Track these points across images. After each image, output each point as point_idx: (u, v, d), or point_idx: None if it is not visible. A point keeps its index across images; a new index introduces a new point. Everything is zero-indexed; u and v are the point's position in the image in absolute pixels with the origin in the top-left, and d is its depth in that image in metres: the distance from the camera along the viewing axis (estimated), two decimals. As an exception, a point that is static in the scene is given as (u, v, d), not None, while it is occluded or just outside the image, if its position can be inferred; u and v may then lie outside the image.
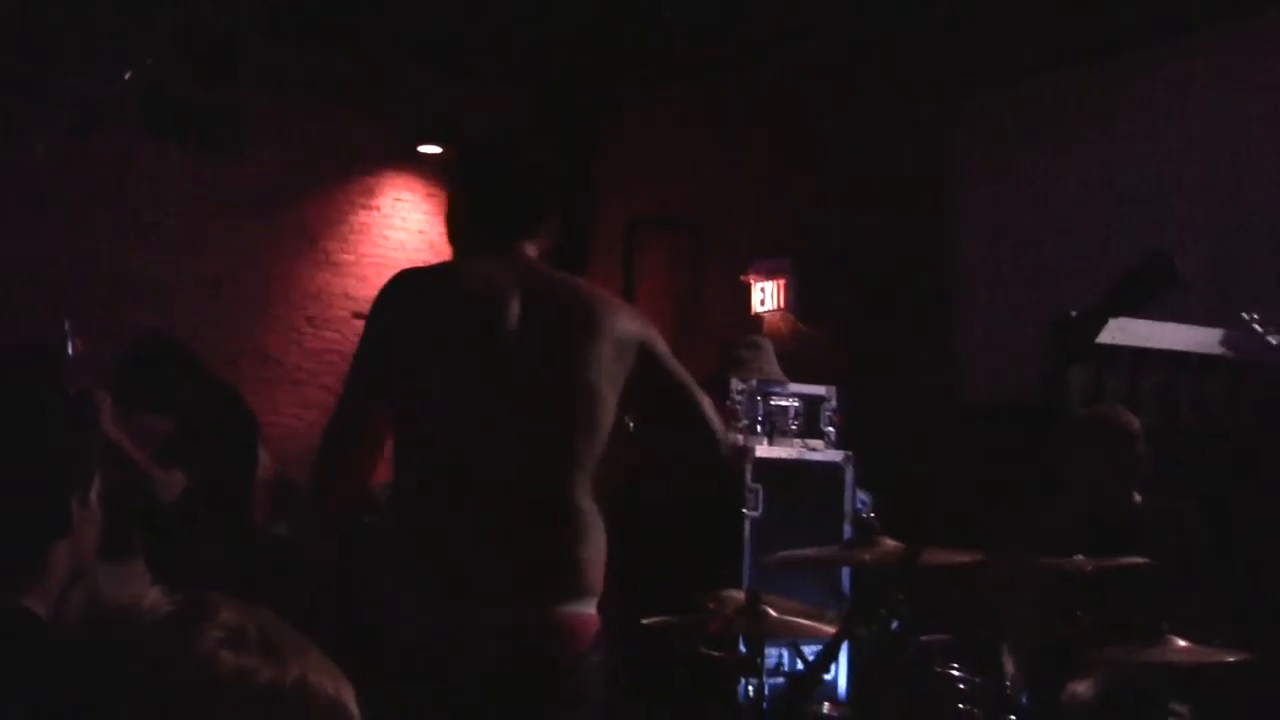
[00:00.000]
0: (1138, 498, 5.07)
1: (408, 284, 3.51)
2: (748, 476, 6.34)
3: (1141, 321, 5.49)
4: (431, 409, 3.37)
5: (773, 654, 5.27)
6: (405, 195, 10.40)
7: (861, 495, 6.59)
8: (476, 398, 3.35)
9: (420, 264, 10.17)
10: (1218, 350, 5.85)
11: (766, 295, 9.20)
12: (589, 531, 3.39)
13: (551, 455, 3.36)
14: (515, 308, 3.38)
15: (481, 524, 3.29)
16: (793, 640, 5.04)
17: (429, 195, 10.48)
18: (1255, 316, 5.62)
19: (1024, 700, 4.30)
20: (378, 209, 10.26)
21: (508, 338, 3.36)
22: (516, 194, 3.61)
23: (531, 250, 3.55)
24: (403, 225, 10.31)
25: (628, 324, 3.48)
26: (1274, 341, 5.52)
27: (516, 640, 3.27)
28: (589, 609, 3.40)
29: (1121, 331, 5.39)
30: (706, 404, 3.67)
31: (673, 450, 3.85)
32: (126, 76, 8.09)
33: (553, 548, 3.34)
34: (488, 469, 3.31)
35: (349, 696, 1.47)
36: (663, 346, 3.60)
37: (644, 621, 4.85)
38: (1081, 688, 4.49)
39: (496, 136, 4.10)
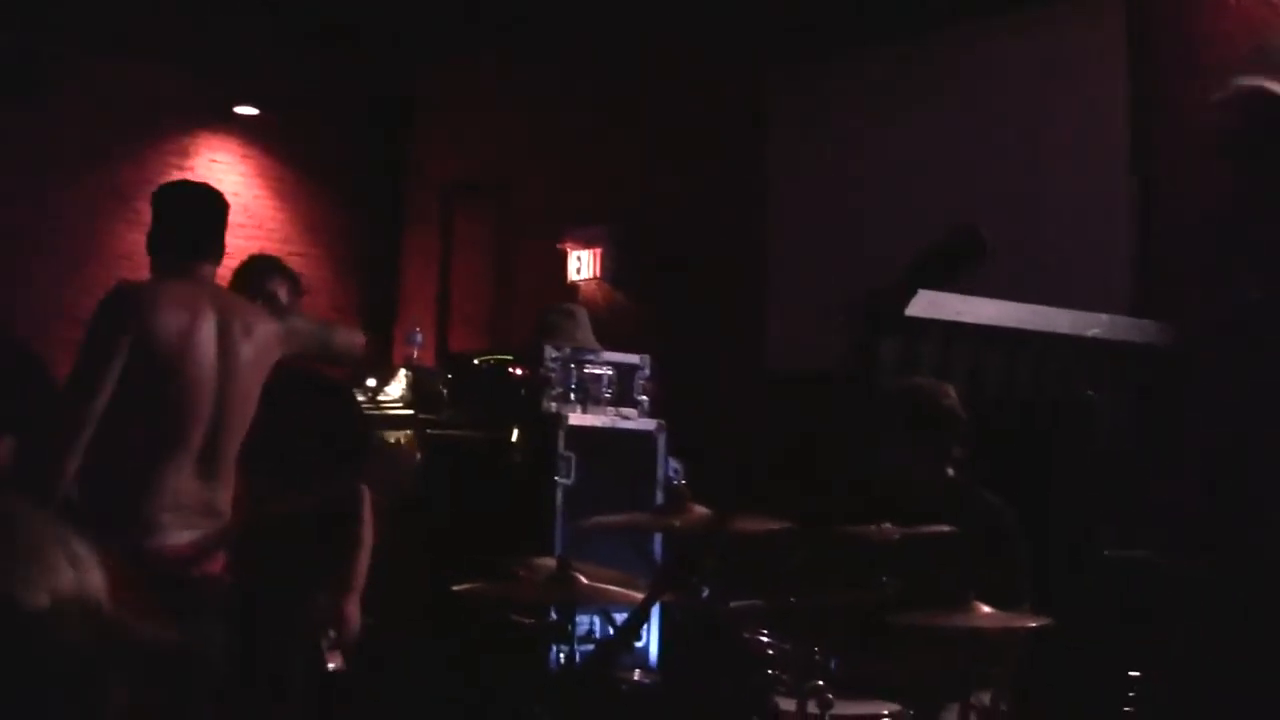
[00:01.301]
0: (950, 472, 5.10)
1: (133, 298, 4.34)
2: (560, 444, 6.34)
3: (953, 295, 5.57)
4: (144, 402, 4.22)
5: (583, 621, 5.29)
6: (221, 156, 10.22)
7: (673, 463, 6.62)
8: (180, 395, 4.27)
9: (234, 227, 10.06)
10: (1026, 325, 5.96)
11: (583, 264, 9.20)
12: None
13: (222, 439, 4.38)
14: (208, 324, 4.35)
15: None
16: (603, 607, 5.04)
17: (245, 157, 10.31)
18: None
19: (832, 666, 4.35)
20: (192, 170, 10.05)
21: (201, 346, 4.32)
22: (207, 226, 4.61)
23: (210, 272, 4.54)
24: (217, 187, 10.07)
25: (273, 328, 4.60)
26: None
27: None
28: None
29: (932, 305, 5.47)
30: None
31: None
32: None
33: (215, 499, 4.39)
34: (179, 444, 4.28)
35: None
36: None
37: (455, 588, 4.82)
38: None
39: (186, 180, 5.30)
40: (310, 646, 5.22)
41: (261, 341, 4.53)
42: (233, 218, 10.12)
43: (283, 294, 5.28)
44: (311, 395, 5.14)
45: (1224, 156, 2.91)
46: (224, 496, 4.42)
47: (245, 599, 4.62)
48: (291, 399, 4.84)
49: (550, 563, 4.82)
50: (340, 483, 5.21)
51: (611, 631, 4.98)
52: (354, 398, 5.70)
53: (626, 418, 6.64)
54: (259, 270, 5.35)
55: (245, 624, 4.64)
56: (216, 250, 4.62)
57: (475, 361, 6.99)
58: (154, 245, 4.58)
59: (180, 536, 4.25)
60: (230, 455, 4.44)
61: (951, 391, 5.12)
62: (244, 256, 10.05)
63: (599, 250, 9.11)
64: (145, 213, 9.70)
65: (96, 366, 4.19)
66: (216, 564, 4.37)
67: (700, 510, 4.44)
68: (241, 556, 4.57)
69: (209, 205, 4.69)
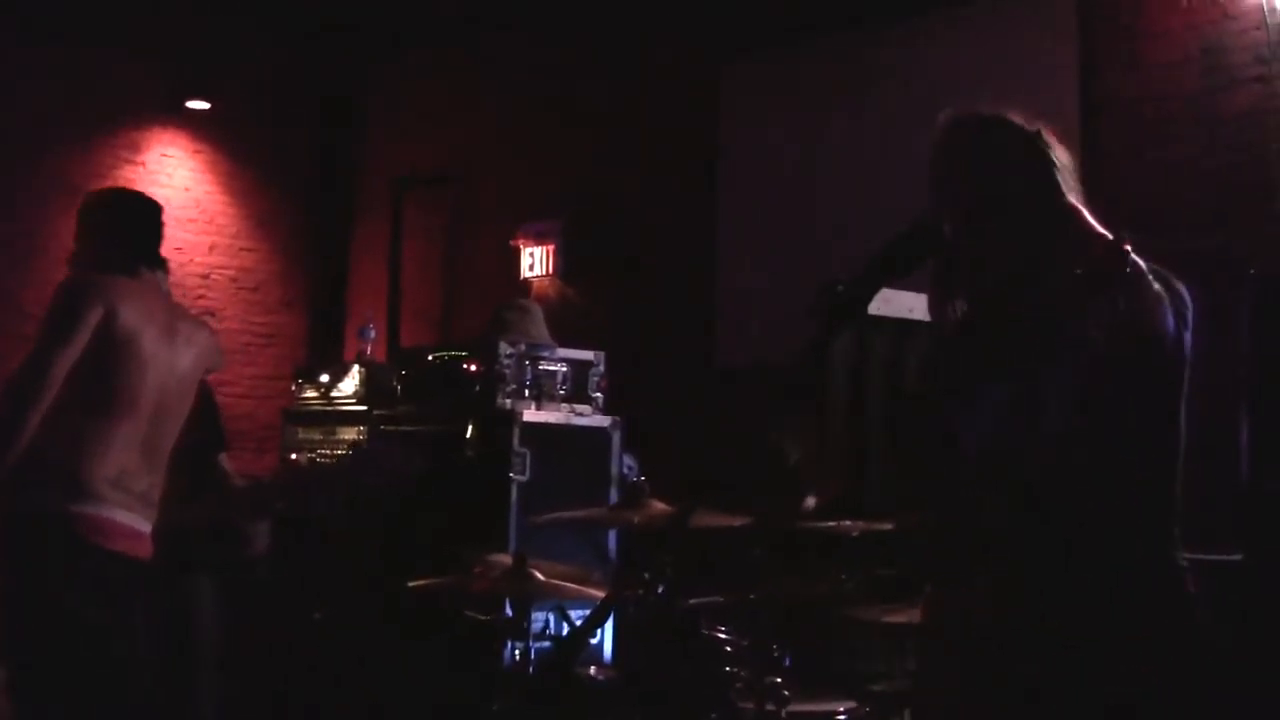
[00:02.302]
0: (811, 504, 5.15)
1: (103, 281, 4.54)
2: (515, 440, 6.34)
3: (906, 293, 5.58)
4: (100, 377, 4.41)
5: (539, 617, 5.28)
6: (172, 151, 10.13)
7: (628, 460, 6.63)
8: (131, 379, 4.47)
9: (185, 222, 10.02)
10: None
11: (536, 260, 9.18)
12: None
13: (162, 433, 4.61)
14: (156, 323, 4.58)
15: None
16: (559, 603, 5.05)
17: (196, 152, 10.22)
18: None
19: (787, 662, 4.36)
20: (143, 164, 9.97)
21: (150, 341, 4.53)
22: (154, 233, 4.85)
23: (151, 277, 4.77)
24: (169, 182, 10.03)
25: (211, 340, 4.93)
26: None
27: None
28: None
29: (886, 302, 5.48)
30: None
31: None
32: None
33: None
34: (128, 422, 4.48)
35: None
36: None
37: (410, 584, 4.82)
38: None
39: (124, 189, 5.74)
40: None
41: (200, 351, 4.81)
42: (184, 212, 10.23)
43: (164, 286, 5.41)
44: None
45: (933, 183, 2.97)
46: (159, 489, 4.61)
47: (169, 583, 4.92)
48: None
49: (505, 559, 4.82)
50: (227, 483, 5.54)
51: (567, 628, 4.97)
52: (212, 392, 5.86)
53: (581, 414, 6.64)
54: None
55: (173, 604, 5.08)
56: (158, 256, 4.89)
57: (429, 357, 6.97)
58: (105, 249, 4.79)
59: (115, 514, 4.39)
60: (166, 451, 4.66)
61: (796, 449, 5.16)
62: (196, 252, 10.08)
63: (552, 247, 9.09)
64: (95, 207, 9.66)
65: (67, 328, 4.39)
66: (145, 550, 4.52)
67: (659, 506, 4.46)
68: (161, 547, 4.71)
69: (153, 213, 4.95)
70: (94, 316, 4.42)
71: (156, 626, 4.76)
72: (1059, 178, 2.88)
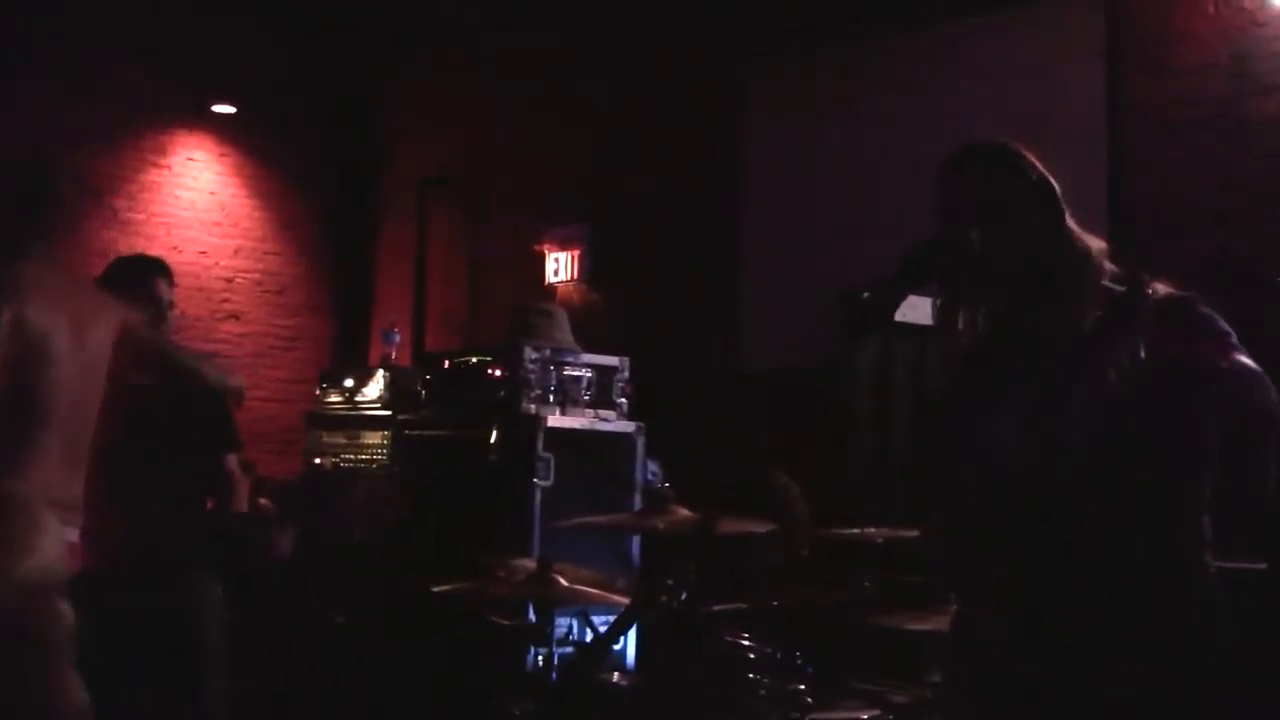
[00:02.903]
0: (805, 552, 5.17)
1: (12, 286, 4.21)
2: (539, 445, 6.33)
3: (930, 299, 5.57)
4: (14, 387, 4.17)
5: (562, 623, 5.27)
6: (198, 154, 10.15)
7: (652, 466, 6.62)
8: (47, 381, 4.21)
9: (210, 225, 10.04)
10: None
11: (561, 266, 9.16)
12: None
13: (83, 428, 4.35)
14: (64, 311, 4.28)
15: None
16: (582, 609, 5.04)
17: (221, 155, 10.25)
18: None
19: (809, 669, 4.35)
20: (169, 168, 10.00)
21: (62, 332, 4.26)
22: (58, 203, 4.59)
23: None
24: (194, 185, 10.07)
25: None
26: None
27: None
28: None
29: (911, 309, 5.47)
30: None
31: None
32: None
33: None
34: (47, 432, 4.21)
35: None
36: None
37: (435, 589, 4.82)
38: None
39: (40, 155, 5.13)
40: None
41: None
42: (209, 215, 10.24)
43: (166, 294, 5.35)
44: (183, 395, 5.16)
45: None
46: (81, 488, 4.36)
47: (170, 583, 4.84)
48: (164, 400, 4.93)
49: (529, 564, 4.82)
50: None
51: (590, 634, 4.96)
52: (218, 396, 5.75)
53: (605, 420, 6.64)
54: (148, 272, 5.40)
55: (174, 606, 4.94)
56: (54, 231, 4.62)
57: (456, 361, 6.97)
58: (5, 230, 4.49)
59: None
60: (86, 444, 4.41)
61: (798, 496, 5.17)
62: (221, 255, 10.10)
63: (577, 252, 9.07)
64: (120, 210, 9.76)
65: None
66: (74, 562, 4.25)
67: (683, 512, 4.45)
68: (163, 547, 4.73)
69: (52, 185, 4.68)
70: (5, 319, 4.20)
71: (153, 627, 4.77)
72: (1063, 202, 2.91)
